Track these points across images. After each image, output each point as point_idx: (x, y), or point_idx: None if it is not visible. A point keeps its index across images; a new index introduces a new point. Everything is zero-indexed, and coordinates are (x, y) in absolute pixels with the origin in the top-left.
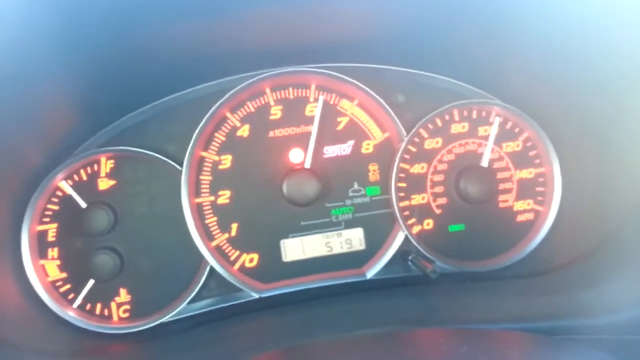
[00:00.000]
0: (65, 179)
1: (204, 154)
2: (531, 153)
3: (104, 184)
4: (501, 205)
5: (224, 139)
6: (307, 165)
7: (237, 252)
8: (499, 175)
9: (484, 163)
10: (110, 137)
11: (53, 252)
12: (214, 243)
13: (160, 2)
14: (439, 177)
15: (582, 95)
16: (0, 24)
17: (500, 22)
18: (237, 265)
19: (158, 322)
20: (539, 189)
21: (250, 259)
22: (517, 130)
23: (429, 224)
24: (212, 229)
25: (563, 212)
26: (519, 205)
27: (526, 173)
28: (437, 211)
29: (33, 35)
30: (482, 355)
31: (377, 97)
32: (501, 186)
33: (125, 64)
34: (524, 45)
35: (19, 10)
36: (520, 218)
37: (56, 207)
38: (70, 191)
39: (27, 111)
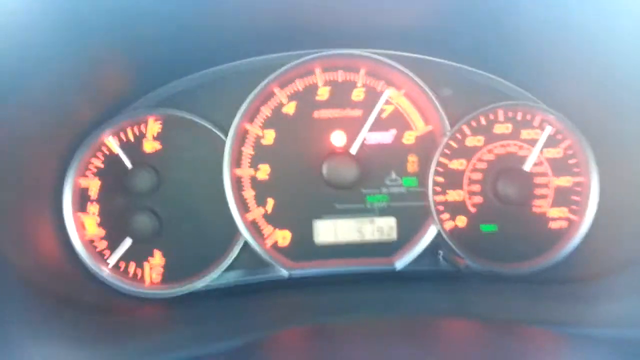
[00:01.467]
0: (113, 136)
1: (248, 126)
2: (571, 161)
3: (149, 145)
4: (536, 210)
5: (269, 114)
6: (353, 150)
7: (271, 228)
8: (537, 180)
9: (527, 167)
10: (160, 100)
11: (93, 208)
12: (249, 216)
13: None
14: (477, 176)
15: (626, 108)
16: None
17: (557, 29)
18: (270, 242)
19: (188, 290)
20: (575, 197)
21: (283, 237)
22: (559, 137)
23: (463, 221)
24: (248, 202)
25: (597, 223)
26: (554, 212)
27: (564, 181)
28: (472, 209)
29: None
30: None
31: (425, 87)
32: (538, 191)
33: (181, 28)
34: (578, 54)
35: None
36: (553, 225)
37: (101, 164)
38: (116, 149)
39: (79, 68)
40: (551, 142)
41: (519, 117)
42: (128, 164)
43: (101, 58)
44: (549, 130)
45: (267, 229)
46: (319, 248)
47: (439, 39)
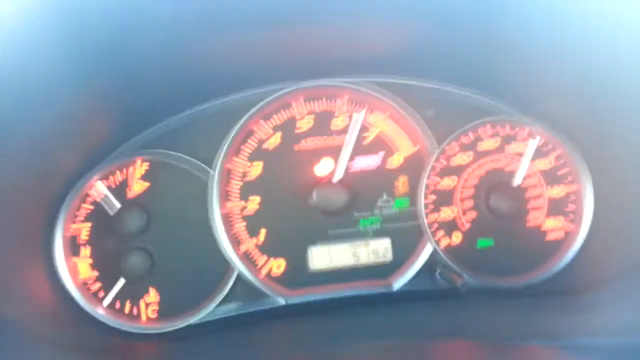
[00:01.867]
0: (100, 179)
1: (232, 162)
2: (563, 170)
3: (137, 186)
4: (531, 222)
5: (254, 147)
6: (336, 178)
7: (265, 258)
8: (530, 192)
9: (516, 182)
10: (145, 142)
11: (85, 251)
12: (242, 248)
13: (197, 14)
14: (469, 192)
15: (615, 114)
16: (33, 35)
17: (532, 39)
18: (264, 271)
19: (185, 324)
20: (570, 206)
21: (278, 266)
22: (549, 147)
23: (457, 238)
24: (240, 234)
25: (594, 231)
26: (550, 223)
27: (558, 190)
28: (466, 225)
29: (63, 44)
30: None
31: (410, 109)
32: (532, 203)
33: (158, 73)
34: (557, 63)
35: (53, 17)
36: (550, 236)
37: (90, 207)
38: (105, 192)
39: (63, 117)
40: (541, 153)
41: (506, 131)
42: (117, 205)
43: (85, 105)
44: (535, 143)
45: (260, 258)
46: (314, 274)
47: (418, 63)
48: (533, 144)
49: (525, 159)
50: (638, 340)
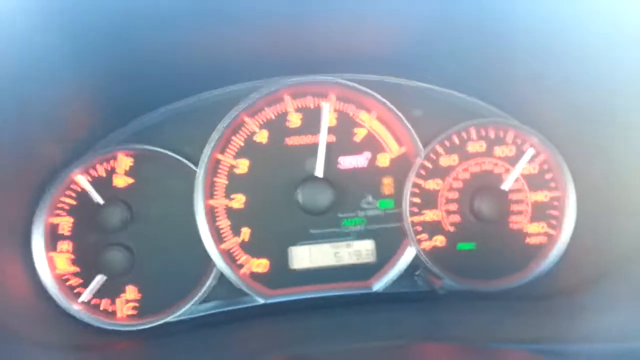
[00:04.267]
0: (82, 173)
1: (220, 157)
2: (547, 176)
3: (120, 181)
4: (514, 226)
5: (241, 143)
6: (319, 174)
7: (246, 257)
8: (514, 197)
9: (505, 187)
10: (129, 135)
11: (63, 246)
12: (223, 246)
13: (186, 7)
14: (453, 195)
15: (601, 120)
16: (18, 25)
17: (519, 43)
18: (245, 270)
19: (163, 321)
20: (552, 212)
21: (258, 265)
22: (534, 152)
23: (440, 240)
24: (223, 232)
25: (576, 236)
26: (532, 228)
27: (541, 196)
28: (450, 228)
29: (50, 35)
30: None
31: (396, 110)
32: (515, 207)
33: (145, 65)
34: (544, 67)
35: (36, 11)
36: (532, 240)
37: (72, 202)
38: (86, 186)
39: (46, 108)
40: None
41: (492, 134)
42: (99, 199)
43: (68, 96)
44: (531, 152)
45: (242, 257)
46: (295, 274)
47: (408, 61)
48: (529, 153)
49: (518, 166)
50: (618, 344)
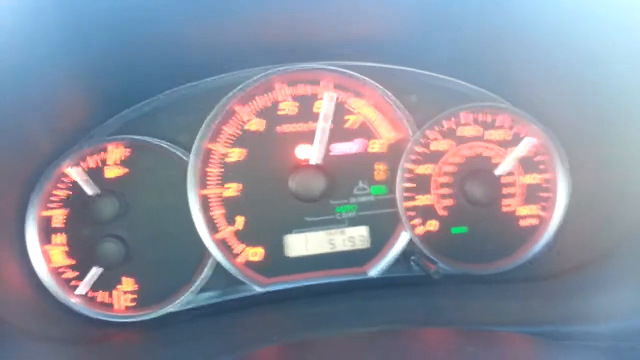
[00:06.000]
0: (74, 165)
1: (211, 146)
2: (538, 158)
3: (112, 171)
4: (505, 209)
5: (233, 131)
6: (314, 161)
7: (242, 246)
8: (505, 180)
9: (498, 172)
10: (120, 125)
11: (57, 238)
12: (218, 235)
13: None
14: (445, 179)
15: (592, 102)
16: (10, 16)
17: (512, 26)
18: (240, 259)
19: (160, 312)
20: (544, 194)
21: (254, 253)
22: (525, 134)
23: (433, 225)
24: (217, 221)
25: (567, 218)
26: (523, 210)
27: (532, 178)
28: (443, 213)
29: (41, 25)
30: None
31: (389, 96)
32: (506, 190)
33: (135, 54)
34: (537, 51)
35: (27, 2)
36: (524, 223)
37: (64, 194)
38: (78, 178)
39: (37, 98)
40: (517, 140)
41: (484, 118)
42: (91, 192)
43: (59, 87)
44: (530, 141)
45: (238, 246)
46: (291, 262)
47: (400, 48)
48: (529, 142)
49: (514, 154)
50: (610, 325)
